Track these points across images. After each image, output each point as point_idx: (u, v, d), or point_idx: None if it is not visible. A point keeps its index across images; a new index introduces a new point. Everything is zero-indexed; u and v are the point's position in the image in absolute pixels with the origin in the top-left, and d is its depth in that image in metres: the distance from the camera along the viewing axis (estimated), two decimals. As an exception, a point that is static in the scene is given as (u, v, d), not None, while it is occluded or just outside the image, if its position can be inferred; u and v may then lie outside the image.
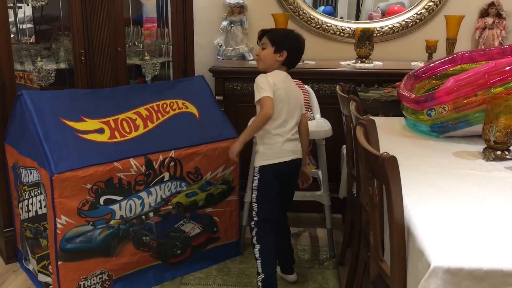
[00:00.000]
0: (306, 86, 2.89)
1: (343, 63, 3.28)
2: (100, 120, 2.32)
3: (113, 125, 2.33)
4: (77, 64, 2.68)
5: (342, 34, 3.45)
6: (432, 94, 2.12)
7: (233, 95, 3.15)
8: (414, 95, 2.18)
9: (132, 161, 2.24)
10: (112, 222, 2.22)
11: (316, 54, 3.41)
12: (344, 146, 2.94)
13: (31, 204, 2.31)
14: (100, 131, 2.28)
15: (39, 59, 2.64)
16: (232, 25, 3.41)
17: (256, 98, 2.16)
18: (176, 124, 2.51)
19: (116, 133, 2.31)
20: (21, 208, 2.44)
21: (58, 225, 2.07)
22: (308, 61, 3.31)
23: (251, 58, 3.48)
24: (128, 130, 2.36)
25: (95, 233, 2.18)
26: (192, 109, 2.62)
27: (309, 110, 2.85)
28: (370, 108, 2.70)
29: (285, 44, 2.20)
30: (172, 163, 2.38)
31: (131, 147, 2.29)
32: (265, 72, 2.24)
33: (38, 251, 2.35)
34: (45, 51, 2.76)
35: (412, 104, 2.16)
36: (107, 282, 2.27)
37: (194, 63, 3.10)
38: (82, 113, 2.29)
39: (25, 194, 2.35)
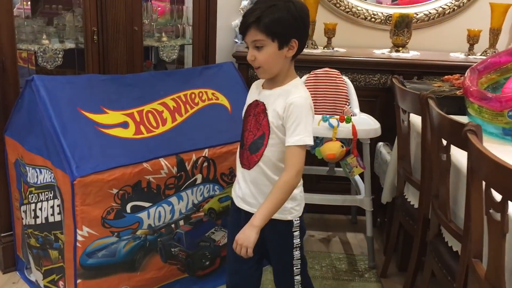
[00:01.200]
0: (344, 77, 2.60)
1: (376, 51, 3.00)
2: (123, 112, 1.97)
3: (138, 118, 1.99)
4: (88, 43, 2.30)
5: (373, 19, 3.16)
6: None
7: (257, 83, 2.82)
8: (493, 94, 1.92)
9: (163, 162, 1.91)
10: (138, 232, 1.90)
11: (344, 40, 3.11)
12: (381, 144, 2.69)
13: (40, 209, 1.96)
14: (124, 125, 1.94)
15: (44, 36, 2.26)
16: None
17: (295, 140, 1.44)
18: (207, 118, 2.19)
19: (142, 128, 1.98)
20: (24, 211, 2.08)
21: (79, 237, 1.73)
22: (338, 48, 3.02)
23: (272, 43, 3.15)
24: (154, 124, 2.03)
25: (119, 245, 1.85)
26: (223, 100, 2.29)
27: (347, 104, 2.57)
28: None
29: (292, 29, 1.43)
30: (205, 164, 2.06)
31: (160, 145, 1.96)
32: (275, 80, 1.51)
33: (46, 264, 2.01)
34: (49, 28, 2.37)
35: (490, 104, 1.90)
36: (129, 301, 1.95)
37: (216, 47, 2.76)
38: (103, 103, 1.94)
39: (32, 196, 1.99)
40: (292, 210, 1.58)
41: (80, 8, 2.38)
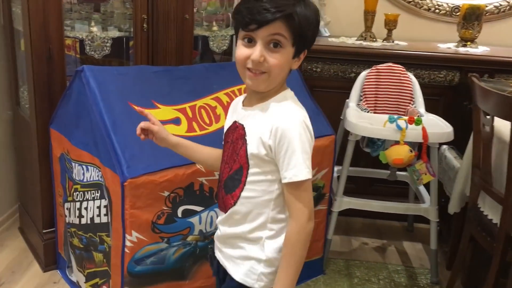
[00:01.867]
0: (409, 74, 2.39)
1: (441, 45, 2.76)
2: (175, 107, 1.83)
3: (190, 114, 1.84)
4: (137, 32, 2.16)
5: (437, 10, 2.92)
6: None
7: (310, 78, 2.64)
8: None
9: (218, 163, 1.76)
10: (189, 238, 1.75)
11: (405, 33, 2.88)
12: (445, 147, 2.46)
13: (85, 208, 1.84)
14: (176, 121, 1.79)
15: (92, 23, 2.13)
16: (308, -7, 2.87)
17: (292, 174, 1.07)
18: (263, 115, 2.02)
19: (195, 125, 1.83)
20: (68, 209, 1.97)
21: (128, 243, 1.60)
22: (398, 42, 2.80)
23: (326, 35, 2.96)
24: (207, 121, 1.87)
25: (169, 252, 1.71)
26: (279, 96, 2.11)
27: (412, 103, 2.36)
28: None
29: (313, 37, 1.14)
30: (261, 165, 1.89)
31: (214, 145, 1.79)
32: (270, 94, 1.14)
33: (89, 266, 1.90)
34: (96, 14, 2.24)
35: None
36: (177, 310, 1.82)
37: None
38: (154, 97, 1.80)
39: (77, 194, 1.87)
40: (263, 277, 1.16)
41: (129, -6, 2.24)
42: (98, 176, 1.72)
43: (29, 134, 2.11)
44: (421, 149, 2.03)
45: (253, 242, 1.16)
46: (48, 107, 2.01)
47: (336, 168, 2.32)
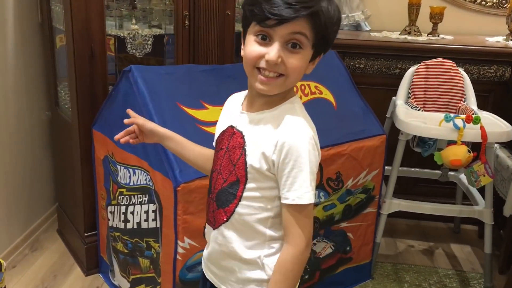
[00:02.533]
0: (460, 70, 2.28)
1: (489, 39, 2.64)
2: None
3: (238, 114, 1.76)
4: (179, 29, 2.09)
5: (483, 3, 2.79)
6: None
7: (353, 75, 2.50)
8: None
9: (270, 166, 1.68)
10: (239, 243, 1.68)
11: (450, 27, 2.76)
12: (497, 146, 2.35)
13: (131, 213, 1.78)
14: (225, 122, 1.72)
15: (133, 21, 2.06)
16: (348, -13, 2.77)
17: (295, 196, 0.96)
18: (311, 115, 1.91)
19: (244, 126, 1.75)
20: (112, 212, 1.92)
21: (180, 250, 1.54)
22: (444, 35, 2.68)
23: (367, 29, 2.86)
24: (256, 122, 1.79)
25: (219, 258, 1.65)
26: (327, 94, 2.03)
27: (463, 100, 2.25)
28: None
29: (332, 37, 0.99)
30: (311, 167, 1.81)
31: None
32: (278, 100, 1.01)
33: (135, 272, 1.84)
34: (136, 12, 2.18)
35: None
36: (226, 318, 1.75)
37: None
38: (203, 97, 1.73)
39: (122, 198, 1.82)
40: None
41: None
42: (146, 180, 1.66)
43: (70, 135, 2.07)
44: (478, 149, 1.92)
45: (250, 263, 1.03)
46: (90, 108, 1.96)
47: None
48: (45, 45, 2.26)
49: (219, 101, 1.77)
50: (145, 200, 1.70)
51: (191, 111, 1.66)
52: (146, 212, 1.71)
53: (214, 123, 1.69)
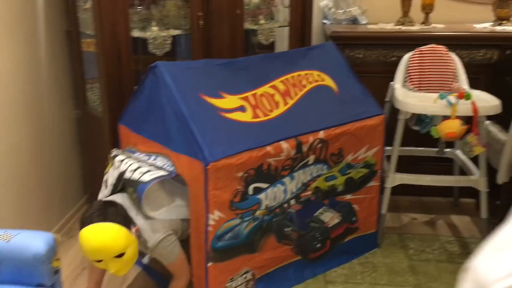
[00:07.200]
0: (451, 54, 2.49)
1: (477, 26, 2.85)
2: (239, 96, 1.98)
3: (253, 102, 1.99)
4: (194, 29, 2.32)
5: (471, -8, 3.00)
6: None
7: (353, 64, 2.73)
8: None
9: (284, 144, 1.91)
10: (257, 213, 1.91)
11: (440, 16, 2.97)
12: (488, 122, 2.56)
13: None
14: (242, 109, 1.94)
15: (153, 23, 2.29)
16: (345, -17, 2.98)
17: None
18: (316, 100, 2.16)
19: (258, 111, 1.98)
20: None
21: (211, 221, 1.76)
22: (435, 24, 2.89)
23: (363, 23, 3.07)
24: (269, 108, 2.02)
25: (241, 227, 1.88)
26: (329, 81, 2.25)
27: (456, 81, 2.46)
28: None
29: None
30: (319, 145, 2.04)
31: (279, 128, 1.96)
32: None
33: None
34: (154, 15, 2.40)
35: None
36: (250, 282, 1.98)
37: (311, 28, 2.71)
38: (220, 88, 1.95)
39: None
40: None
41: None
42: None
43: (101, 131, 2.29)
44: (471, 123, 2.13)
45: None
46: (119, 105, 2.18)
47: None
48: (73, 50, 2.49)
49: (235, 91, 2.02)
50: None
51: (212, 100, 1.89)
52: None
53: (232, 110, 1.94)
